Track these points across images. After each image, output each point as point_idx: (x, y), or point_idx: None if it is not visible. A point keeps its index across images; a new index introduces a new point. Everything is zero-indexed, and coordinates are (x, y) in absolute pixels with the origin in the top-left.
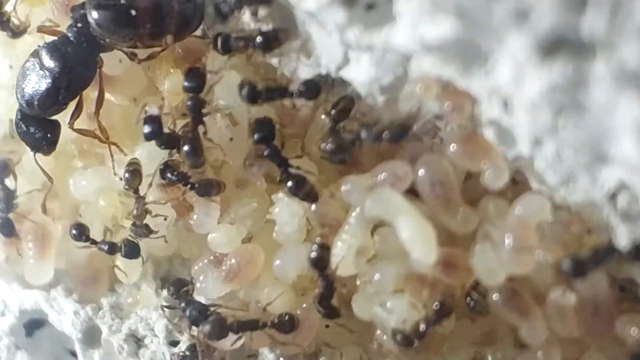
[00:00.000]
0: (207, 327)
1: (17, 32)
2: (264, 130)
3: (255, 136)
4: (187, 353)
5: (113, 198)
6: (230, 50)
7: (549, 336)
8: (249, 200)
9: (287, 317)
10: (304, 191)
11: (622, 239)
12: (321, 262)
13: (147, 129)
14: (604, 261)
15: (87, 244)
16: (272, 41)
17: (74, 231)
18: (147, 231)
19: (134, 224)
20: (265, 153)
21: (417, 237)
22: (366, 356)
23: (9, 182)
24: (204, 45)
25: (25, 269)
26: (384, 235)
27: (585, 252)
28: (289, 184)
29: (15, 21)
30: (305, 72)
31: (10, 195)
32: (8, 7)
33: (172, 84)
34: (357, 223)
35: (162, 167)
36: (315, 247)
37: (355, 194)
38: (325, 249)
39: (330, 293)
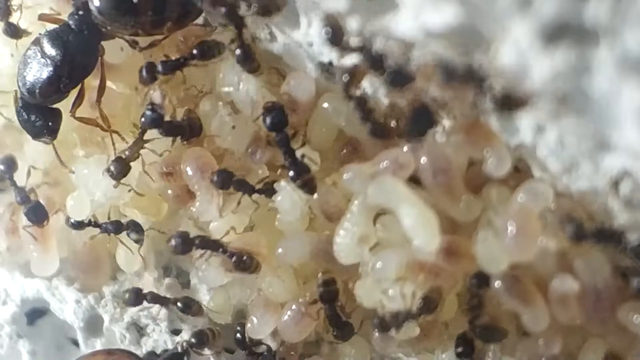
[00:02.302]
0: (174, 242)
1: (14, 32)
2: (278, 115)
3: (268, 120)
4: (194, 341)
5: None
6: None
7: (550, 324)
8: None
9: (246, 257)
10: (302, 180)
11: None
12: (329, 297)
13: (148, 116)
14: (603, 242)
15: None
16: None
17: (72, 221)
18: None
19: None
20: (277, 139)
21: (419, 225)
22: (368, 345)
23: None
24: (206, 33)
25: (30, 260)
26: (386, 224)
27: (591, 226)
28: (291, 172)
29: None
30: (307, 60)
31: (22, 189)
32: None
33: None
34: (359, 211)
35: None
36: (320, 282)
37: (357, 182)
38: (331, 284)
39: (337, 316)
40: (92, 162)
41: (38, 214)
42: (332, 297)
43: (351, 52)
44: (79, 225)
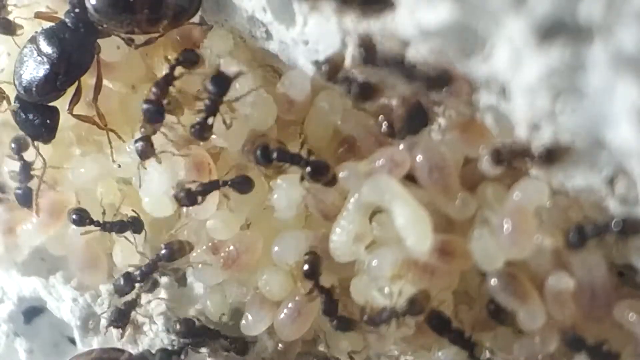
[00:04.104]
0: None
1: (7, 29)
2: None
3: (258, 152)
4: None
5: (111, 185)
6: None
7: (547, 321)
8: None
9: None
10: (325, 179)
11: None
12: (312, 266)
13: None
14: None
15: (92, 228)
16: None
17: (74, 217)
18: None
19: None
20: (275, 156)
21: (412, 225)
22: (364, 342)
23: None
24: (202, 31)
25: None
26: (382, 222)
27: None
28: (308, 169)
29: (10, 18)
30: (303, 58)
31: (27, 166)
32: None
33: None
34: (355, 209)
35: None
36: (305, 257)
37: (352, 180)
38: (315, 256)
39: (333, 304)
40: (88, 160)
41: (23, 199)
42: (314, 265)
43: (385, 69)
44: (79, 222)
